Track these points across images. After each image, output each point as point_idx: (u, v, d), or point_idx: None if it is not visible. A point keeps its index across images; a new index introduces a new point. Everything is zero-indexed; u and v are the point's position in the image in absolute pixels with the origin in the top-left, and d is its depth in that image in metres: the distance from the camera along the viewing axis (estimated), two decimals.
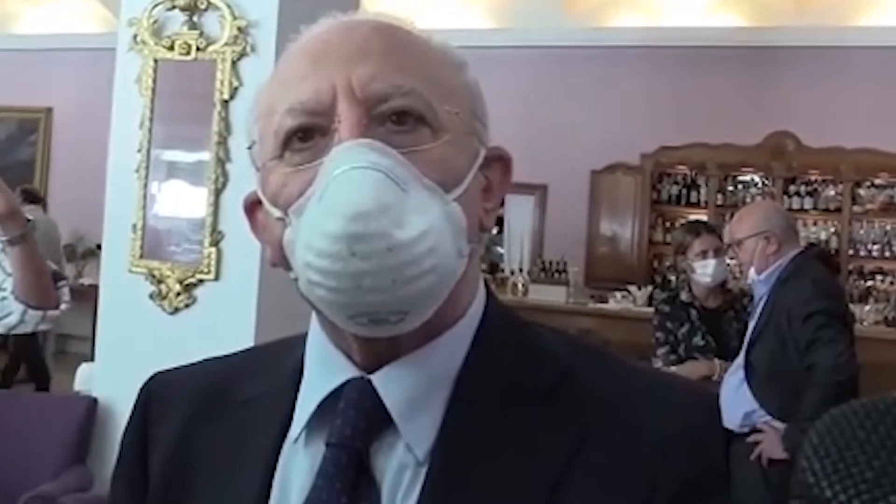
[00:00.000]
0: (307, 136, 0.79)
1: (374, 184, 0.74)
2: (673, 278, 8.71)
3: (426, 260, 0.74)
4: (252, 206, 0.86)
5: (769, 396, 3.51)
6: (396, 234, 0.73)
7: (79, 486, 3.65)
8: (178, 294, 3.78)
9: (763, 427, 3.50)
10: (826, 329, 3.38)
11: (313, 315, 0.86)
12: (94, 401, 3.91)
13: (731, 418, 3.48)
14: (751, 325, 3.67)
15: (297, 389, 0.86)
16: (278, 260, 0.82)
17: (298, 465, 0.83)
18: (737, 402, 3.52)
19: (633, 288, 8.45)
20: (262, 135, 0.83)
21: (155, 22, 3.82)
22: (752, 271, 3.66)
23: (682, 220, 9.08)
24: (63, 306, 2.66)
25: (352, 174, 0.74)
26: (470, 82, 0.86)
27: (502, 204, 1.00)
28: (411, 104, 0.79)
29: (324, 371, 0.84)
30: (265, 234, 0.85)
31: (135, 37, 3.85)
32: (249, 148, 0.86)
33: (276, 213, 0.80)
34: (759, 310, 3.62)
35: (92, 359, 4.27)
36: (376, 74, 0.78)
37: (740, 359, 3.62)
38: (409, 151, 0.77)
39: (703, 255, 4.00)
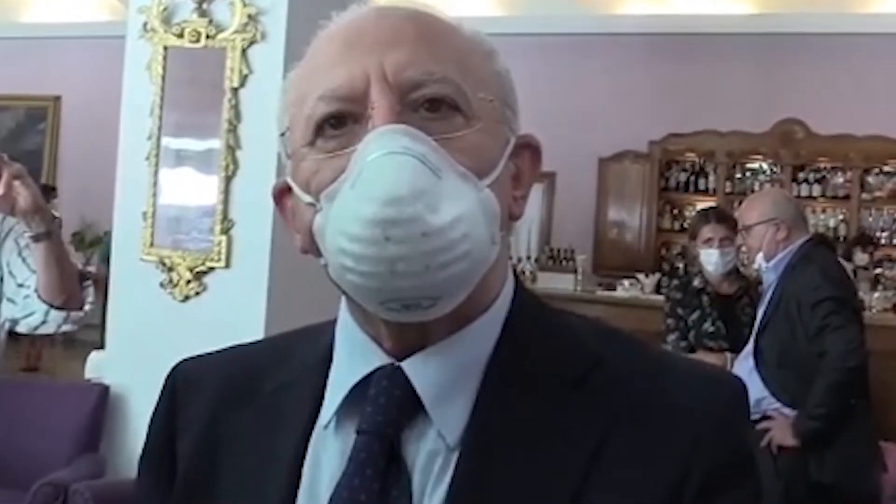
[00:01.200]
0: (340, 122, 0.79)
1: (408, 169, 0.74)
2: (681, 266, 8.70)
3: (460, 246, 0.74)
4: (281, 194, 0.87)
5: (779, 383, 3.51)
6: (430, 220, 0.73)
7: (91, 473, 3.67)
8: (189, 282, 3.79)
9: (773, 414, 3.50)
10: (835, 316, 3.38)
11: (342, 302, 0.86)
12: (106, 388, 3.93)
13: None
14: (760, 312, 3.66)
15: (326, 377, 0.86)
16: (308, 246, 0.82)
17: (329, 451, 0.83)
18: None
19: (641, 275, 8.44)
20: (294, 122, 0.83)
21: (165, 9, 3.82)
22: (760, 258, 3.65)
23: (691, 208, 9.08)
24: (87, 307, 2.55)
25: (385, 159, 0.74)
26: (501, 70, 0.86)
27: None
28: (444, 91, 0.79)
29: (353, 358, 0.84)
30: (294, 221, 0.85)
31: (144, 24, 3.85)
32: (282, 135, 0.85)
33: (307, 198, 0.80)
34: (768, 297, 3.62)
35: (102, 346, 4.29)
36: (409, 61, 0.78)
37: (750, 346, 3.62)
38: (443, 138, 0.77)
39: (709, 243, 3.98)
